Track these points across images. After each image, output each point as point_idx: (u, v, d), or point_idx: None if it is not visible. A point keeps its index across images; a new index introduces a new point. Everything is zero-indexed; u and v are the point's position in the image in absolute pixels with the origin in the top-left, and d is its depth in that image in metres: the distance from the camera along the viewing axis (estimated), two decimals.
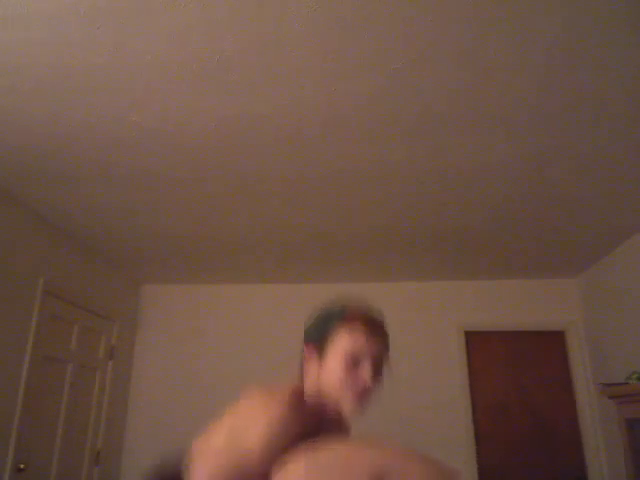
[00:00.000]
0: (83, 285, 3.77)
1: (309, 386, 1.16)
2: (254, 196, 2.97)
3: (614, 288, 3.78)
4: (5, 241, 2.94)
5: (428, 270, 4.34)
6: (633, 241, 3.51)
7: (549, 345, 4.42)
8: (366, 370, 1.12)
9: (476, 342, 4.47)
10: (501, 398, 4.30)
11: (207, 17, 1.66)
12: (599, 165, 2.57)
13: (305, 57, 1.83)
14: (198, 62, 1.86)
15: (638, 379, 3.05)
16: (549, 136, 2.32)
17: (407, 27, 1.69)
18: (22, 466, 2.99)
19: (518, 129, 2.27)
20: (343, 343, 1.14)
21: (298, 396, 1.09)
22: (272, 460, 0.97)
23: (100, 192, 2.93)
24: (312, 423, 1.07)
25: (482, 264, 4.17)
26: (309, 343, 1.20)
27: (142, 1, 1.60)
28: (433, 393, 4.31)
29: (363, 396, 1.12)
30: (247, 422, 1.01)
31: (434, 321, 4.52)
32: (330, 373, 1.13)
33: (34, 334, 3.14)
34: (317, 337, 1.18)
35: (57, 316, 3.45)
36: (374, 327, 1.16)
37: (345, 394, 1.12)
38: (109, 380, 4.10)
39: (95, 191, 2.92)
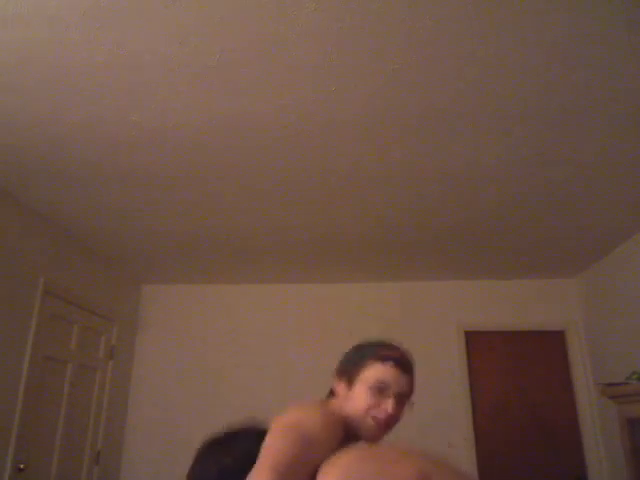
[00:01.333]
0: (83, 285, 3.77)
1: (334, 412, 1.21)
2: (254, 196, 2.97)
3: (614, 288, 3.78)
4: (5, 241, 2.94)
5: (428, 270, 4.33)
6: (633, 241, 3.51)
7: (549, 345, 4.42)
8: (390, 400, 1.17)
9: (476, 342, 4.47)
10: (501, 398, 4.30)
11: (207, 17, 1.66)
12: (599, 165, 2.56)
13: (305, 57, 1.83)
14: (198, 62, 1.86)
15: (638, 379, 3.05)
16: (549, 136, 2.32)
17: (407, 27, 1.69)
18: (22, 466, 2.99)
19: (518, 129, 2.27)
20: (371, 372, 1.20)
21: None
22: (328, 453, 1.03)
23: (100, 192, 2.93)
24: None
25: (482, 264, 4.16)
26: (339, 377, 1.26)
27: (142, 0, 1.60)
28: (433, 393, 4.31)
29: (385, 425, 1.18)
30: (309, 418, 1.08)
31: (434, 321, 4.52)
32: (355, 399, 1.19)
33: (34, 334, 3.14)
34: (347, 371, 1.25)
35: (57, 316, 3.44)
36: (402, 363, 1.22)
37: (368, 420, 1.17)
38: (109, 380, 4.10)
39: (95, 191, 2.92)
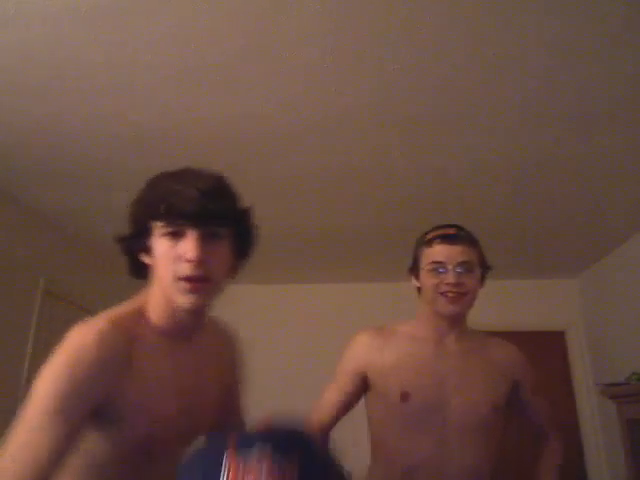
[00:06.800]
0: (83, 285, 3.76)
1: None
2: (253, 195, 2.96)
3: (614, 288, 3.77)
4: (5, 241, 2.94)
5: None
6: (633, 241, 3.50)
7: (549, 345, 4.41)
8: (451, 274, 1.29)
9: None
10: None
11: (207, 17, 1.66)
12: (598, 165, 2.56)
13: (305, 57, 1.83)
14: (198, 62, 1.86)
15: (638, 379, 3.05)
16: (549, 136, 2.32)
17: (407, 27, 1.69)
18: None
19: (518, 129, 2.27)
20: (426, 257, 1.34)
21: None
22: None
23: (100, 192, 2.93)
24: None
25: None
26: (410, 275, 1.44)
27: (142, 1, 1.60)
28: None
29: (454, 299, 1.33)
30: None
31: None
32: (422, 286, 1.35)
33: (34, 334, 3.14)
34: (412, 268, 1.41)
35: (57, 316, 3.44)
36: (448, 237, 1.36)
37: (436, 296, 1.32)
38: None
39: (95, 191, 2.91)
